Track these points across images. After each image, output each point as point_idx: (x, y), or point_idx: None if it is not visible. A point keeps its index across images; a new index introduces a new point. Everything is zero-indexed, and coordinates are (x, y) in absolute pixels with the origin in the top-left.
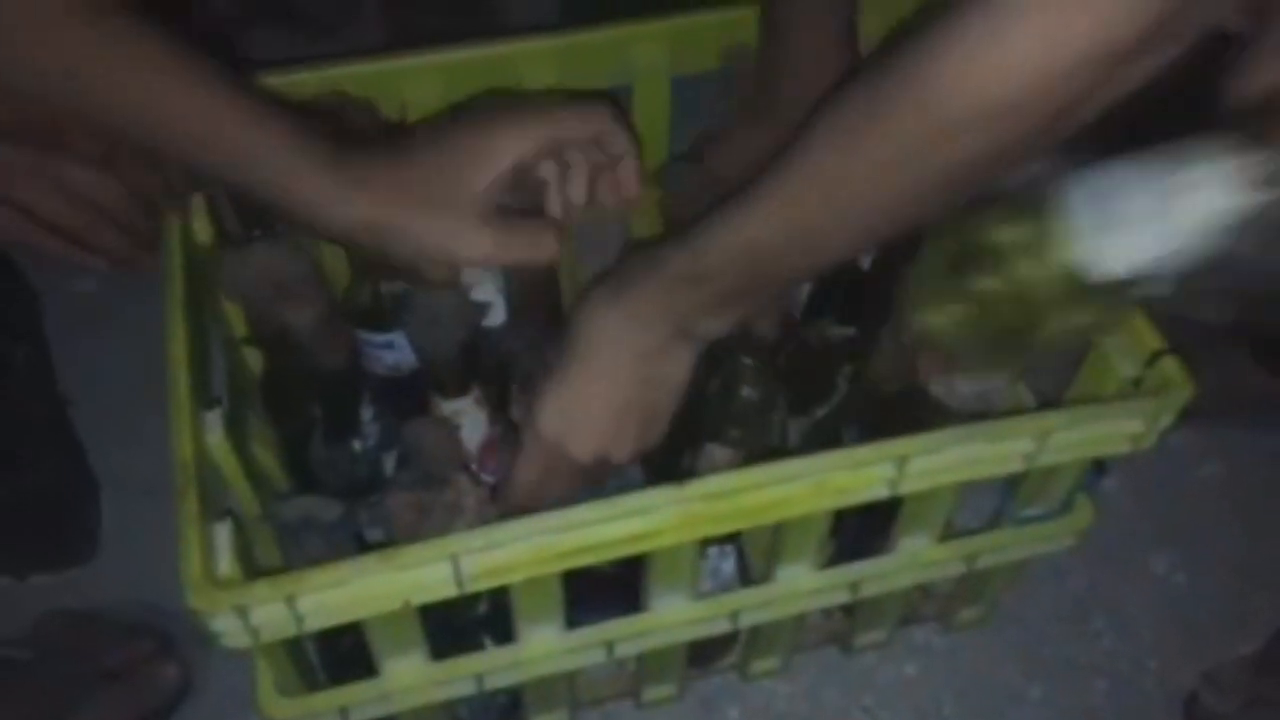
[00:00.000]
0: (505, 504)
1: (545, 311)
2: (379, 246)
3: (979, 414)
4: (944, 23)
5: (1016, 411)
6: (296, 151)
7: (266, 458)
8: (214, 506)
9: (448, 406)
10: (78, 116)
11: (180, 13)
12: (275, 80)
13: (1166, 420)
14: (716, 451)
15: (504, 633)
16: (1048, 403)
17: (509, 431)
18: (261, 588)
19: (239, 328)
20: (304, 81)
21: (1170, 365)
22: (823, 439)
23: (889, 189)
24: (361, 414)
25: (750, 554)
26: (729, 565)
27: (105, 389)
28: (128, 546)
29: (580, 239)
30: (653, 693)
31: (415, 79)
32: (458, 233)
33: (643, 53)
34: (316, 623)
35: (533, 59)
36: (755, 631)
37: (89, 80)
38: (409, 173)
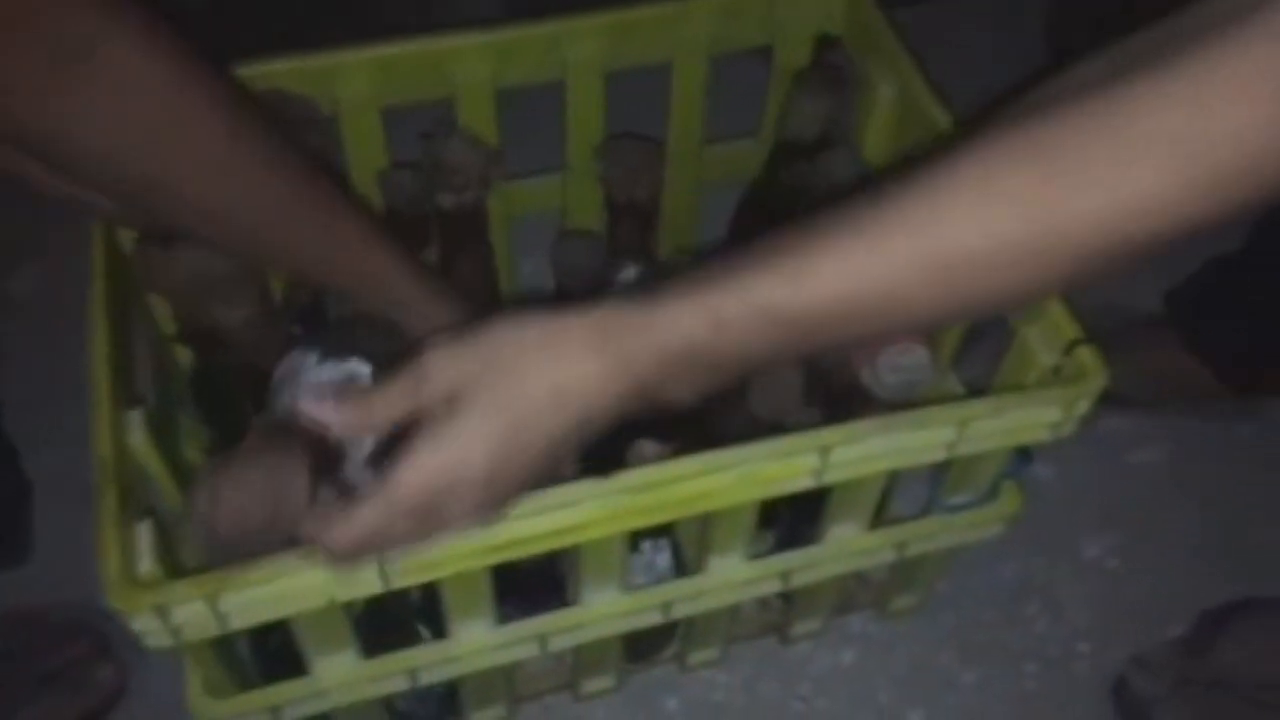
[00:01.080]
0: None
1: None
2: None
3: (905, 403)
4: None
5: (943, 400)
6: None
7: (198, 457)
8: (136, 506)
9: None
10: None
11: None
12: None
13: (1083, 407)
14: (645, 446)
15: (440, 621)
16: (976, 391)
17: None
18: (181, 587)
19: (167, 325)
20: (242, 79)
21: (1086, 354)
22: (756, 431)
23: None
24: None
25: (685, 546)
26: (664, 558)
27: (37, 389)
28: (63, 547)
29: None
30: (591, 685)
31: (348, 75)
32: None
33: (579, 48)
34: (240, 622)
35: (467, 56)
36: (691, 623)
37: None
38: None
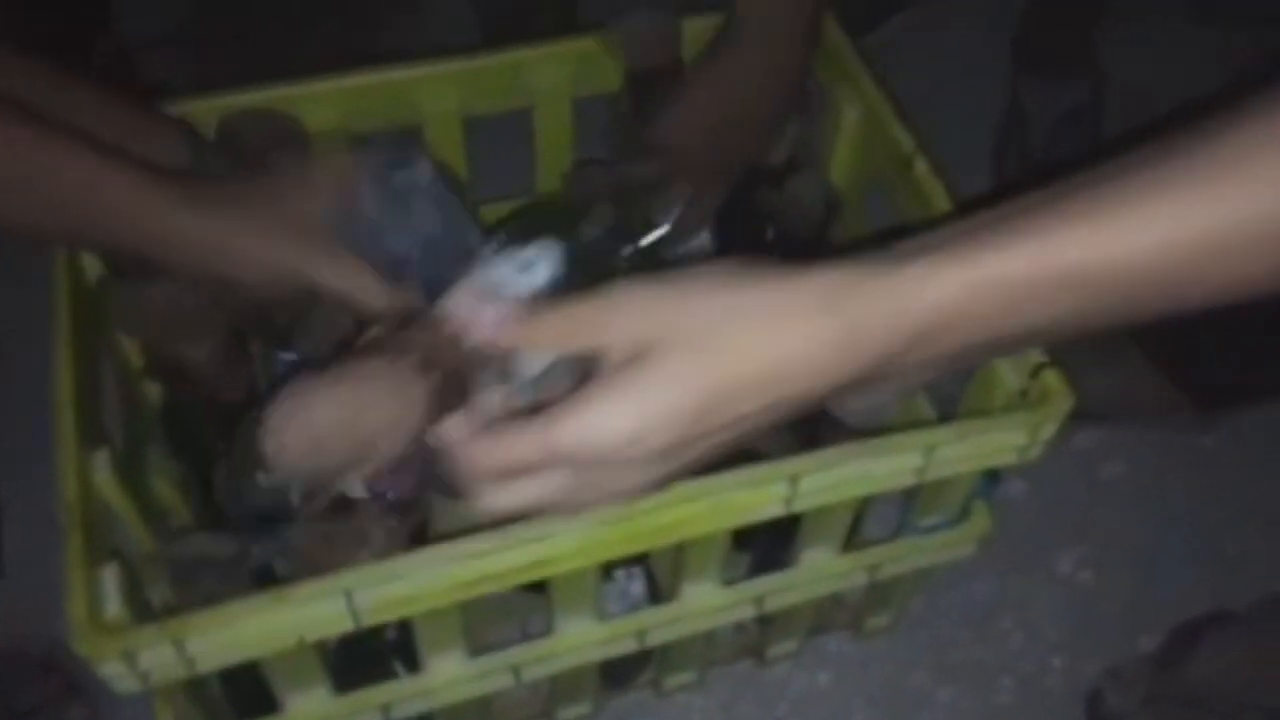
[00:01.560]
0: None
1: None
2: (234, 276)
3: (873, 429)
4: None
5: (912, 424)
6: (143, 192)
7: (168, 492)
8: (103, 547)
9: None
10: None
11: (78, 42)
12: (179, 107)
13: (1049, 431)
14: None
15: (415, 657)
16: (945, 413)
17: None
18: (148, 631)
19: (135, 360)
20: (204, 108)
21: (1051, 378)
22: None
23: None
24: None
25: (659, 573)
26: (637, 586)
27: (5, 417)
28: (34, 579)
29: None
30: (568, 713)
31: (315, 104)
32: (303, 254)
33: (546, 75)
34: (208, 664)
35: (433, 84)
36: (667, 648)
37: None
38: (252, 195)
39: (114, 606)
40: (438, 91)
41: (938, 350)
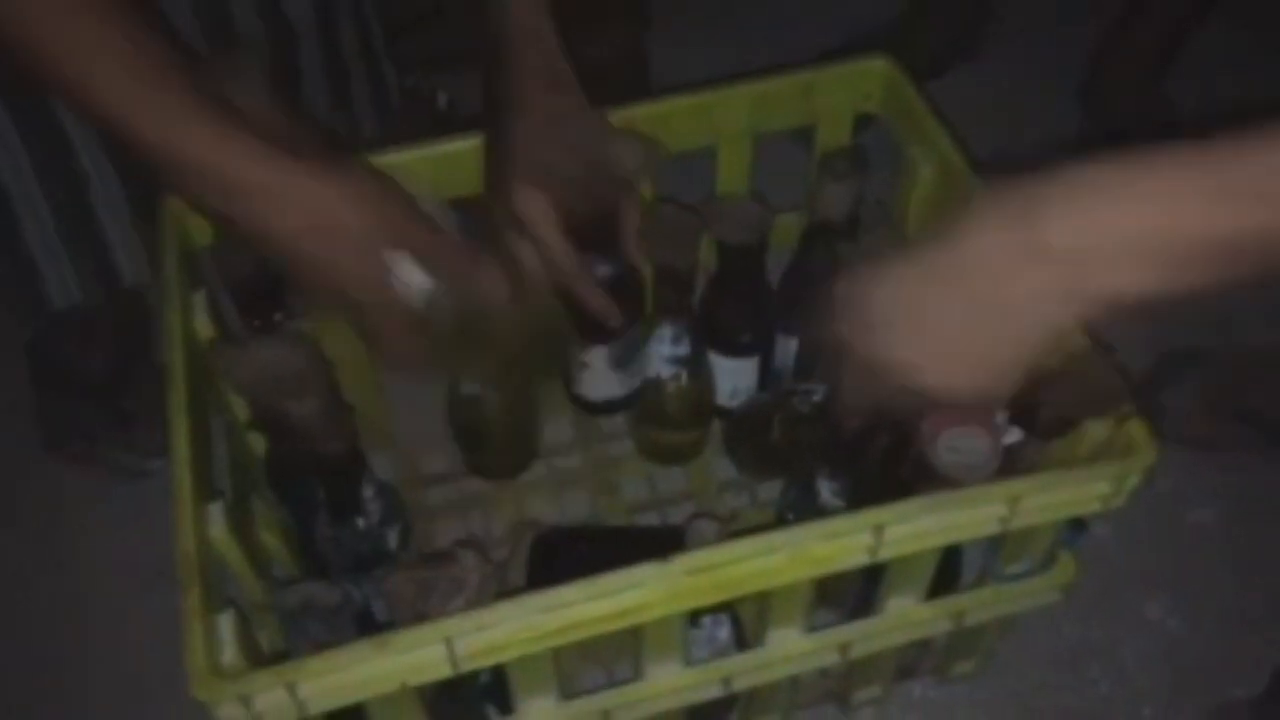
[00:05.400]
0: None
1: None
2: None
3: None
4: None
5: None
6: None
7: (271, 539)
8: (217, 597)
9: None
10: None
11: None
12: None
13: (1134, 482)
14: (703, 526)
15: (507, 701)
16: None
17: None
18: (263, 677)
19: (241, 413)
20: None
21: (1137, 428)
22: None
23: None
24: (363, 492)
25: (745, 618)
26: (724, 632)
27: None
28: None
29: None
30: None
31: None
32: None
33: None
34: (318, 707)
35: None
36: (752, 693)
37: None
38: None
39: (230, 653)
40: None
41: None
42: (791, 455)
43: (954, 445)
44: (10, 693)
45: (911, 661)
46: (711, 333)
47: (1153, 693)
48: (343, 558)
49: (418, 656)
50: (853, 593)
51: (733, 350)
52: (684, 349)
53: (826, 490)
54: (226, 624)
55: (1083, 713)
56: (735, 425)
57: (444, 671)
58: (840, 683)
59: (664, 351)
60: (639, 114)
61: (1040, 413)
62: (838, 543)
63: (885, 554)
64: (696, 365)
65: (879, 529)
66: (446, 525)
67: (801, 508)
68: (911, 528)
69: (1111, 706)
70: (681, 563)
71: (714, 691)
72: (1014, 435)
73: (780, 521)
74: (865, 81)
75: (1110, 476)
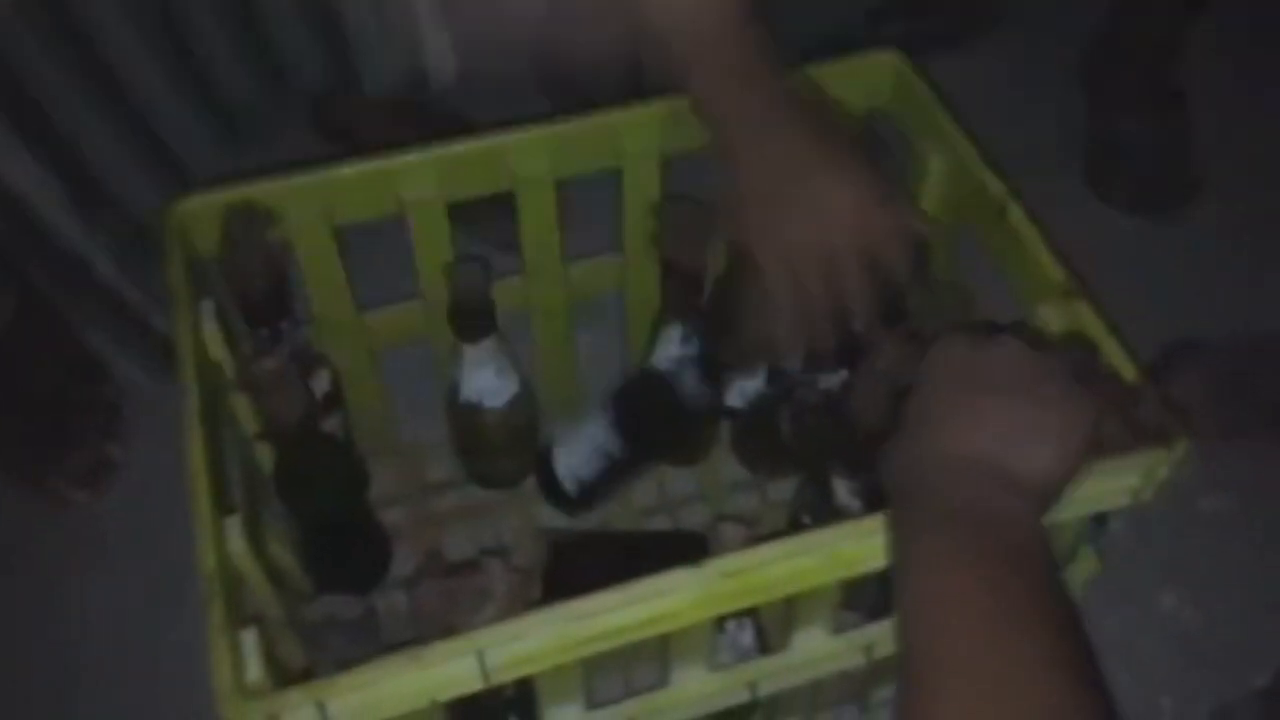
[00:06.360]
0: None
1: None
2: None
3: None
4: None
5: None
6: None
7: (281, 553)
8: (239, 613)
9: None
10: None
11: None
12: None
13: (1162, 474)
14: (728, 529)
15: (532, 713)
16: None
17: None
18: (292, 695)
19: (249, 425)
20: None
21: (1163, 419)
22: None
23: None
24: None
25: (766, 622)
26: (747, 636)
27: None
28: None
29: None
30: None
31: (414, 175)
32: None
33: (637, 138)
34: None
35: (527, 150)
36: (774, 697)
37: None
38: None
39: (255, 670)
40: (530, 156)
41: None
42: (803, 453)
43: None
44: None
45: None
46: (720, 333)
47: (1170, 685)
48: (355, 568)
49: (449, 669)
50: (872, 592)
51: None
52: (692, 349)
53: (843, 490)
54: (250, 640)
55: None
56: (743, 424)
57: (474, 685)
58: (861, 682)
59: (672, 352)
60: (644, 114)
61: None
62: (871, 543)
63: None
64: (704, 365)
65: None
66: (453, 533)
67: (817, 509)
68: None
69: (1130, 700)
70: (715, 567)
71: (740, 697)
72: None
73: (794, 523)
74: (874, 76)
75: (1139, 469)
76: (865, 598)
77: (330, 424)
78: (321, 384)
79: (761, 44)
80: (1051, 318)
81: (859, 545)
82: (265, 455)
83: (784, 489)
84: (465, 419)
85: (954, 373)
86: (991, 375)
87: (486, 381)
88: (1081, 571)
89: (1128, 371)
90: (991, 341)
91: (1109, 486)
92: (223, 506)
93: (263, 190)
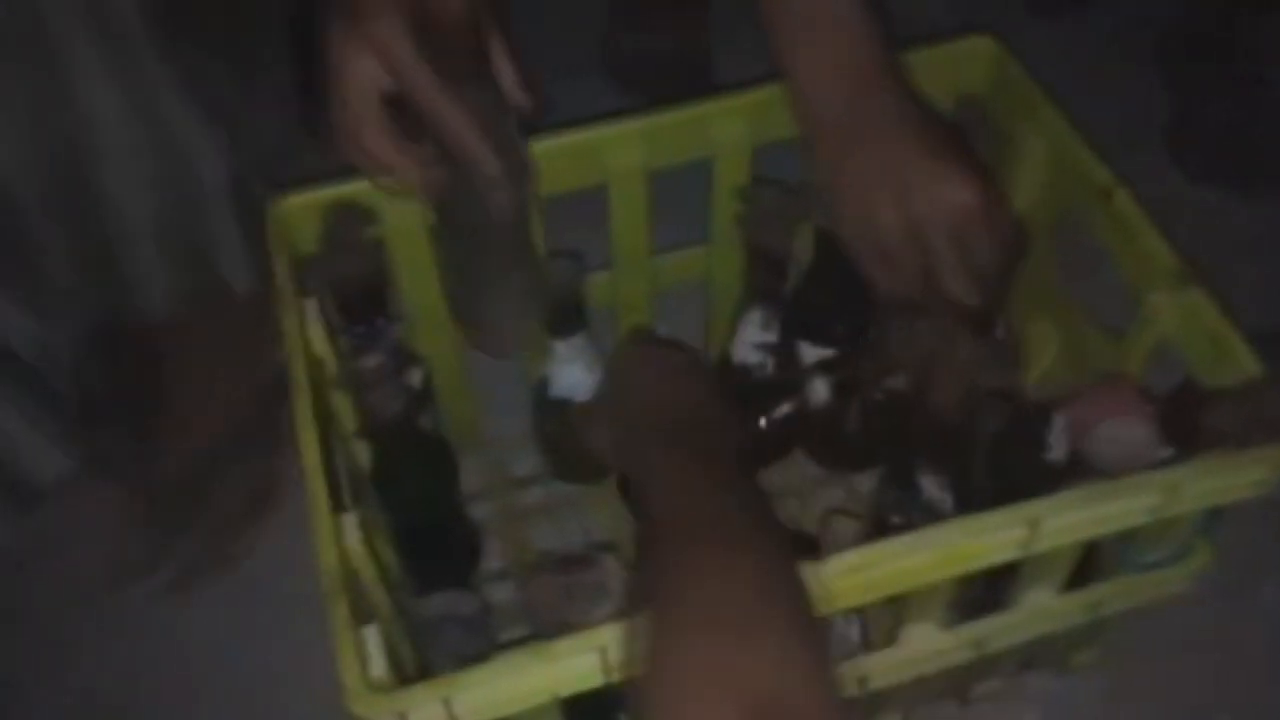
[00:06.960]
0: None
1: None
2: None
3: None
4: None
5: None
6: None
7: (383, 549)
8: (361, 610)
9: None
10: None
11: None
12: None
13: None
14: (840, 524)
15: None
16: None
17: None
18: (419, 691)
19: (349, 422)
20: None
21: None
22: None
23: None
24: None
25: (870, 617)
26: (854, 631)
27: None
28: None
29: None
30: None
31: None
32: None
33: (726, 129)
34: None
35: (622, 142)
36: (876, 692)
37: None
38: None
39: (379, 666)
40: (625, 148)
41: None
42: (882, 449)
43: (1114, 436)
44: None
45: (1031, 654)
46: (802, 321)
47: (1276, 677)
48: (452, 558)
49: (572, 666)
50: (978, 586)
51: (827, 340)
52: (773, 335)
53: (931, 486)
54: (373, 637)
55: (1209, 702)
56: (817, 418)
57: (596, 681)
58: (961, 677)
59: (752, 337)
60: (735, 104)
61: (1200, 434)
62: (990, 538)
63: (1038, 547)
64: (785, 352)
65: (1035, 522)
66: (538, 528)
67: (905, 507)
68: (1067, 520)
69: (1235, 693)
70: (834, 564)
71: (850, 692)
72: (1165, 452)
73: (881, 523)
74: (970, 62)
75: (1269, 461)
76: (969, 590)
77: (424, 420)
78: (415, 381)
79: (873, 27)
80: (1163, 306)
81: (979, 541)
82: (362, 453)
83: (864, 481)
84: (556, 414)
85: None
86: None
87: (577, 377)
88: (1197, 563)
89: (1247, 362)
90: None
91: (1235, 480)
92: (338, 503)
93: (361, 190)
